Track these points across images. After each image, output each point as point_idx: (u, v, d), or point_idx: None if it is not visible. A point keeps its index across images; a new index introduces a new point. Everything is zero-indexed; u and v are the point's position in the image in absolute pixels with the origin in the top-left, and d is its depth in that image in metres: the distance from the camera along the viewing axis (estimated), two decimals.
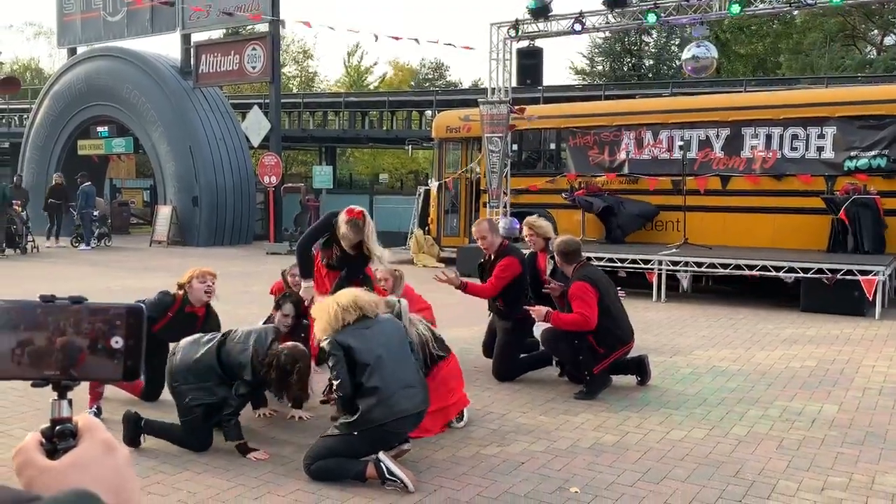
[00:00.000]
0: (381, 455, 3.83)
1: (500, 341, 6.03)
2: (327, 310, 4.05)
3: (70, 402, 0.81)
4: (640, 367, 5.87)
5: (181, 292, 5.07)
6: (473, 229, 6.24)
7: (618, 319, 5.64)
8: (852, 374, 6.27)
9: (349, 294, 4.13)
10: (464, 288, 5.97)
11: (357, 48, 41.49)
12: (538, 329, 5.90)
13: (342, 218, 5.17)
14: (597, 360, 5.52)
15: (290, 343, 4.42)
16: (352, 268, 5.38)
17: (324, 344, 4.06)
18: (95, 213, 17.81)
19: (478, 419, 4.92)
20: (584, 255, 6.07)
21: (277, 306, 5.25)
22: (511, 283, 5.93)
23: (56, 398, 0.80)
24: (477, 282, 6.20)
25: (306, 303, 5.23)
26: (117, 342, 0.81)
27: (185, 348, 4.41)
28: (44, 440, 0.77)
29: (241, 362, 4.21)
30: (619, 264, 10.43)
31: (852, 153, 10.85)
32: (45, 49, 65.34)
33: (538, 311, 5.51)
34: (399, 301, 4.72)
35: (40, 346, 0.79)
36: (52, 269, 13.49)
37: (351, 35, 41.81)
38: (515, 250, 6.15)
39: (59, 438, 0.77)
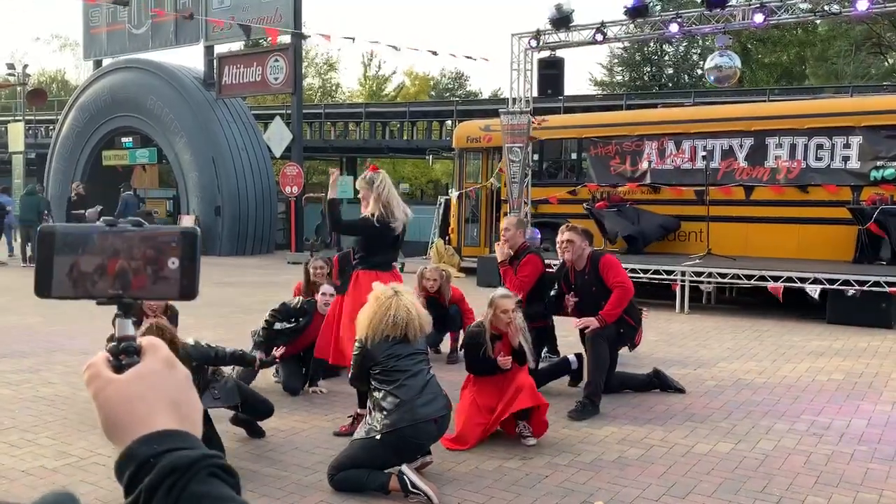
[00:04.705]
0: (405, 467, 3.82)
1: None
2: (378, 306, 4.05)
3: (134, 322, 0.84)
4: (661, 379, 5.97)
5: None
6: (503, 223, 6.46)
7: None
8: (881, 387, 6.16)
9: (407, 312, 4.04)
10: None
11: (373, 57, 41.79)
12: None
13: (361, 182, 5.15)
14: (634, 331, 5.82)
15: None
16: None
17: (356, 345, 4.12)
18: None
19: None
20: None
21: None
22: (535, 281, 6.07)
23: (121, 317, 0.84)
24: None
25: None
26: (173, 262, 0.84)
27: None
28: (111, 357, 0.81)
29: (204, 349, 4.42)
30: (643, 275, 10.36)
31: (878, 163, 10.70)
32: (71, 61, 66.36)
33: (589, 322, 5.48)
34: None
35: (99, 268, 0.83)
36: None
37: (370, 45, 42.00)
38: (536, 249, 6.37)
39: (124, 355, 0.81)
